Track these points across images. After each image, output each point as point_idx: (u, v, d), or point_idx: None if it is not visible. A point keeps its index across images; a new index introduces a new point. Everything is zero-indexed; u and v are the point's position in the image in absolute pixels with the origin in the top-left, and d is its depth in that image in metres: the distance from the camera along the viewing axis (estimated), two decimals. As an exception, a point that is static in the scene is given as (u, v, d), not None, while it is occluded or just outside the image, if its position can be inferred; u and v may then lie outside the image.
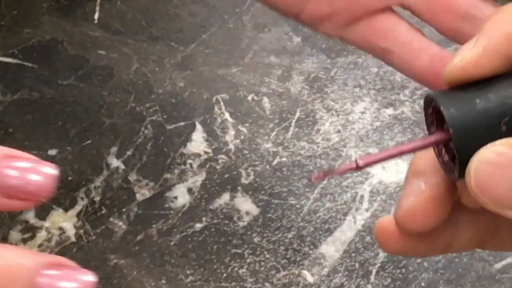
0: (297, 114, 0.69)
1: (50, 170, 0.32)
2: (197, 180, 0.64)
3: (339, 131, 0.68)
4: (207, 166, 0.65)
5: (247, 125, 0.68)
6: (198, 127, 0.67)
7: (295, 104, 0.70)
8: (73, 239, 0.61)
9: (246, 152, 0.66)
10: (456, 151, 0.34)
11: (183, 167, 0.65)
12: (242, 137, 0.67)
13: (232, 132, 0.67)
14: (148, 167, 0.65)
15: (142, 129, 0.67)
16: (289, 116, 0.69)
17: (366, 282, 0.58)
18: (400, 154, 0.35)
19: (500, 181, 0.34)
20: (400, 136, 0.67)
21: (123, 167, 0.65)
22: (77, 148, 0.66)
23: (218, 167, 0.65)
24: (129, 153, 0.66)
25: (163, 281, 0.59)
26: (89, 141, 0.66)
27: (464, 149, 0.34)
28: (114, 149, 0.66)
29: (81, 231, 0.62)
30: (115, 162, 0.65)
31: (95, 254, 0.59)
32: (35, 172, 0.32)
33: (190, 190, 0.64)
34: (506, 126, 0.34)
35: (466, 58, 0.35)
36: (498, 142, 0.34)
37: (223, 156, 0.66)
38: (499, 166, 0.34)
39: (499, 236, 0.39)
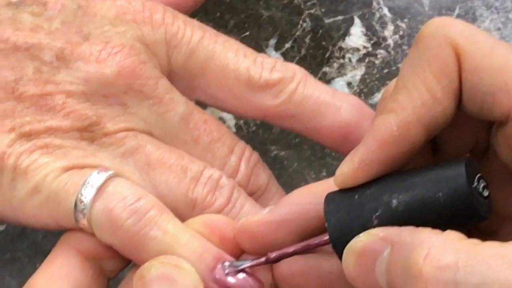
0: (457, 11, 0.67)
1: None
2: (356, 74, 0.64)
3: (499, 29, 0.66)
4: (366, 60, 0.64)
5: (405, 20, 0.67)
6: (357, 21, 0.66)
7: (454, 1, 0.68)
8: (234, 129, 0.61)
9: (405, 47, 0.65)
10: (332, 245, 0.37)
11: (342, 61, 0.64)
12: (401, 32, 0.66)
13: (391, 27, 0.66)
14: (307, 60, 0.65)
15: (300, 22, 0.66)
16: (448, 12, 0.67)
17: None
18: (307, 248, 0.39)
19: (360, 269, 0.35)
20: None
21: (282, 59, 0.64)
22: (236, 39, 0.65)
23: (377, 62, 0.64)
24: (287, 45, 0.65)
25: (324, 174, 0.60)
26: (247, 33, 0.66)
27: (340, 241, 0.37)
28: (272, 42, 0.65)
29: (241, 121, 0.62)
30: (274, 54, 0.65)
31: (255, 145, 0.59)
32: None
33: (349, 84, 0.63)
34: (378, 220, 0.36)
35: (344, 173, 0.37)
36: (362, 234, 0.36)
37: (382, 51, 0.65)
38: (359, 255, 0.35)
39: None
